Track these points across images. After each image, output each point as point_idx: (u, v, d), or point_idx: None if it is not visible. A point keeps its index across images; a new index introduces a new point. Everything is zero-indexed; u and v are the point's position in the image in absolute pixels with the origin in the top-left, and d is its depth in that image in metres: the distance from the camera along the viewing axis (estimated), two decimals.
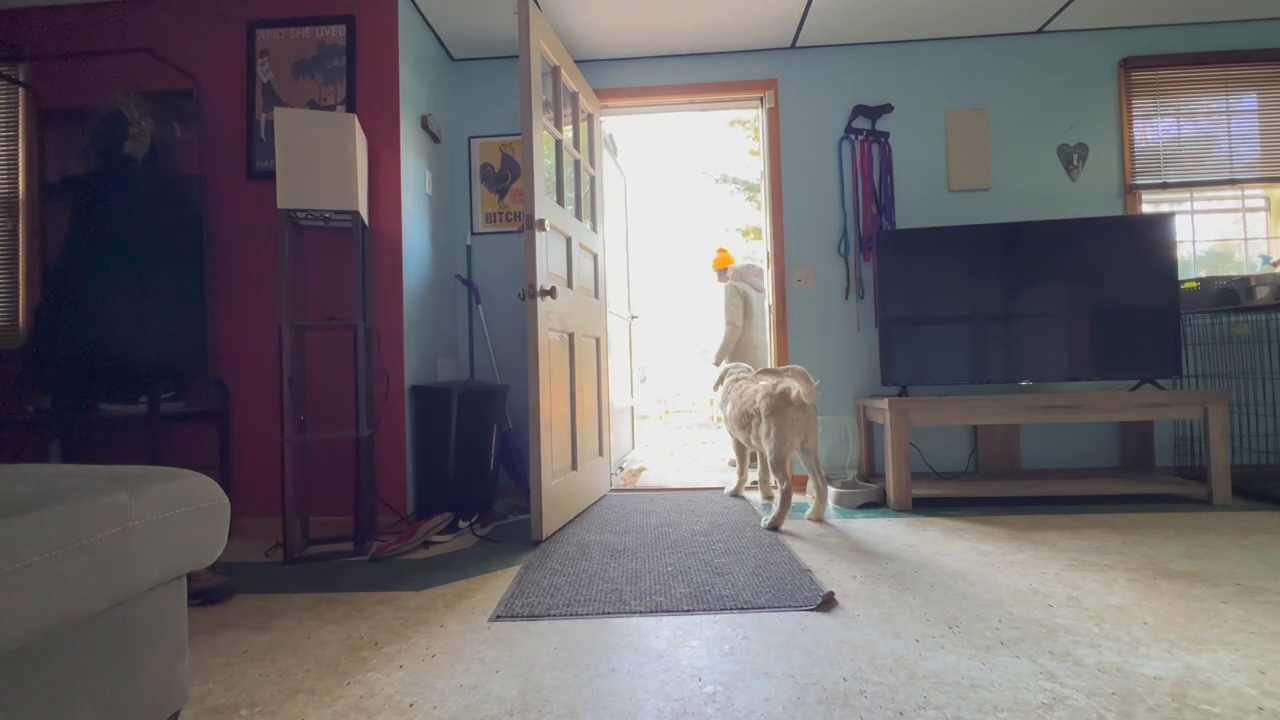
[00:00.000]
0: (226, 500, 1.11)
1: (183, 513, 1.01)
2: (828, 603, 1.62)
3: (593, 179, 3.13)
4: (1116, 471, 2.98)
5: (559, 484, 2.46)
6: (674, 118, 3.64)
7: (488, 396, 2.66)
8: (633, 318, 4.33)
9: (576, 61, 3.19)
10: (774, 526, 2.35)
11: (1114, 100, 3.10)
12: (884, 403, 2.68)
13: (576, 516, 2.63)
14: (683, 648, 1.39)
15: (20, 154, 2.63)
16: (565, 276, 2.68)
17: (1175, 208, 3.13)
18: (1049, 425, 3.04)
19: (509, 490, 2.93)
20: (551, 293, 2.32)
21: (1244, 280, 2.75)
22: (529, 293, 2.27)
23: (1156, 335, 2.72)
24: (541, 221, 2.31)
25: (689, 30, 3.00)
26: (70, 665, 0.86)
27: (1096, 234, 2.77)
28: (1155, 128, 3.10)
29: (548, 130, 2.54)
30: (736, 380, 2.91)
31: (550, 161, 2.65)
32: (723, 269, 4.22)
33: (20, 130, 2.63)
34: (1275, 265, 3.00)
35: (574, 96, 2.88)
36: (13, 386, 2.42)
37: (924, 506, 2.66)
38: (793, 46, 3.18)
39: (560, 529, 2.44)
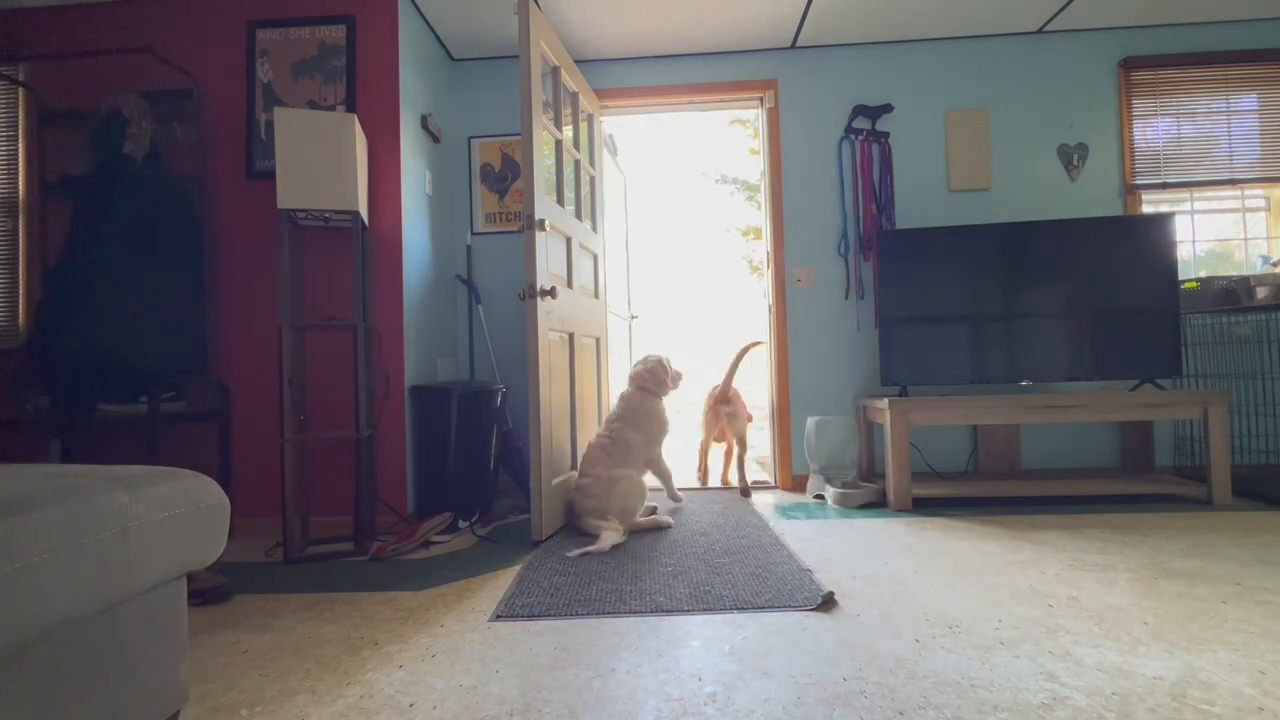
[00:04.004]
0: (226, 500, 1.11)
1: (183, 513, 1.01)
2: (828, 603, 1.62)
3: (593, 179, 3.13)
4: (1116, 471, 2.98)
5: (559, 484, 2.46)
6: (674, 118, 3.64)
7: (488, 396, 2.66)
8: (633, 318, 4.33)
9: (577, 61, 3.19)
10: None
11: (1114, 100, 3.10)
12: (884, 403, 2.68)
13: None
14: (683, 648, 1.39)
15: (20, 154, 2.63)
16: (565, 276, 2.68)
17: (1175, 208, 3.13)
18: (1049, 425, 3.04)
19: (509, 490, 2.92)
20: (551, 293, 2.31)
21: (1244, 280, 2.75)
22: (529, 293, 2.27)
23: (1156, 335, 2.72)
24: (541, 221, 2.30)
25: (689, 30, 3.00)
26: (70, 665, 0.86)
27: (1096, 234, 2.77)
28: (1155, 128, 3.10)
29: (548, 130, 2.54)
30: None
31: (550, 162, 2.65)
32: None
33: (20, 130, 2.63)
34: (1275, 265, 3.00)
35: (574, 96, 2.88)
36: (13, 386, 2.42)
37: (924, 506, 2.66)
38: (793, 46, 3.18)
39: (560, 528, 2.44)
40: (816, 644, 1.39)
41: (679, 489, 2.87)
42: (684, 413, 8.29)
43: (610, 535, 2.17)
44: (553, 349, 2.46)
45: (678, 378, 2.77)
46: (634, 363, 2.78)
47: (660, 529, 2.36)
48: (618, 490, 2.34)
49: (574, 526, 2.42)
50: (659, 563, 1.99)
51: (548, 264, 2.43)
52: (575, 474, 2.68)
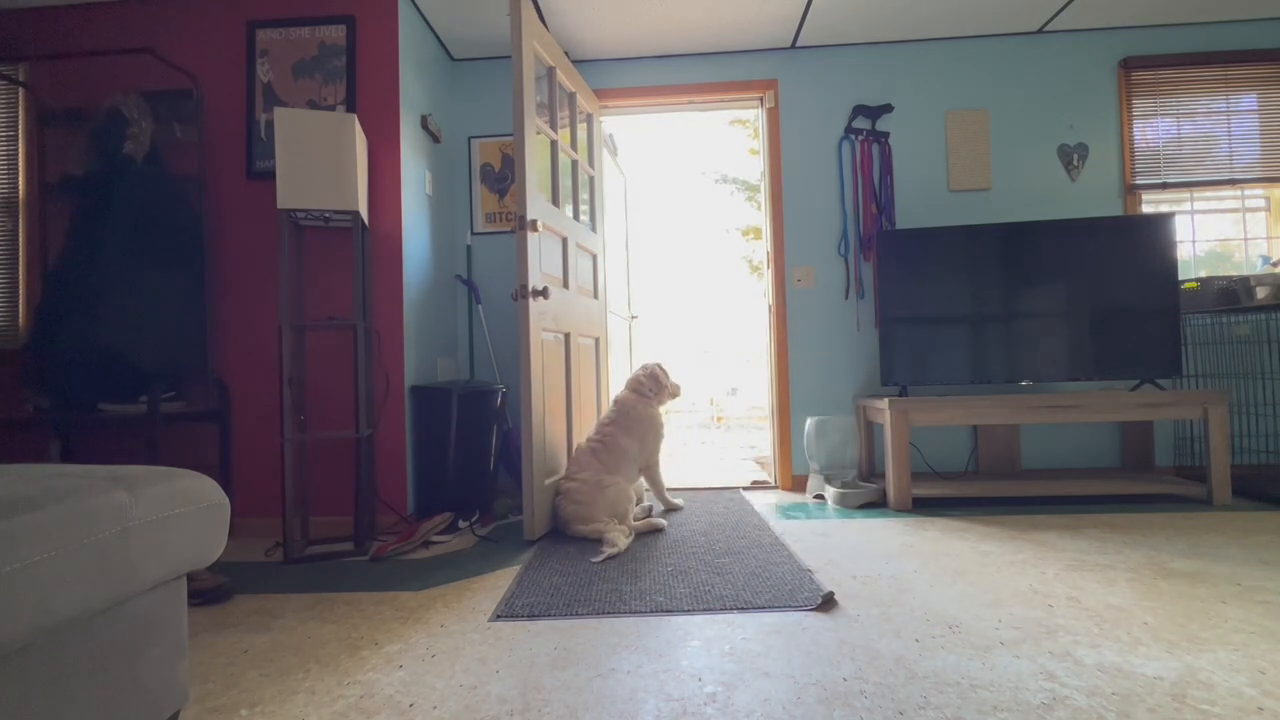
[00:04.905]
0: (226, 500, 1.11)
1: (183, 513, 1.01)
2: (828, 603, 1.62)
3: (592, 179, 3.13)
4: (1116, 471, 2.98)
5: (554, 484, 2.46)
6: (674, 118, 3.64)
7: (488, 396, 2.66)
8: (633, 318, 4.33)
9: (576, 62, 3.19)
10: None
11: (1114, 100, 3.10)
12: (884, 403, 2.68)
13: None
14: (683, 648, 1.39)
15: (20, 154, 2.63)
16: (561, 277, 2.68)
17: (1175, 208, 3.13)
18: (1049, 425, 3.04)
19: (509, 490, 2.92)
20: (544, 293, 2.31)
21: (1244, 280, 2.75)
22: (520, 293, 2.27)
23: (1156, 335, 2.72)
24: (534, 222, 2.30)
25: (689, 30, 3.00)
26: (70, 665, 0.86)
27: (1096, 234, 2.77)
28: (1155, 128, 3.10)
29: (544, 131, 2.54)
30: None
31: (546, 163, 2.65)
32: None
33: (20, 130, 2.63)
34: (1275, 265, 3.00)
35: (571, 97, 2.88)
36: (13, 386, 2.42)
37: (924, 506, 2.66)
38: (793, 46, 3.18)
39: (553, 529, 2.43)
40: (816, 644, 1.39)
41: (678, 489, 2.88)
42: (683, 413, 8.31)
43: (619, 535, 2.16)
44: (547, 349, 2.46)
45: (676, 390, 2.74)
46: (633, 368, 2.76)
47: (655, 531, 2.35)
48: (605, 497, 2.30)
49: (560, 531, 2.38)
50: (659, 563, 1.99)
51: (541, 264, 2.42)
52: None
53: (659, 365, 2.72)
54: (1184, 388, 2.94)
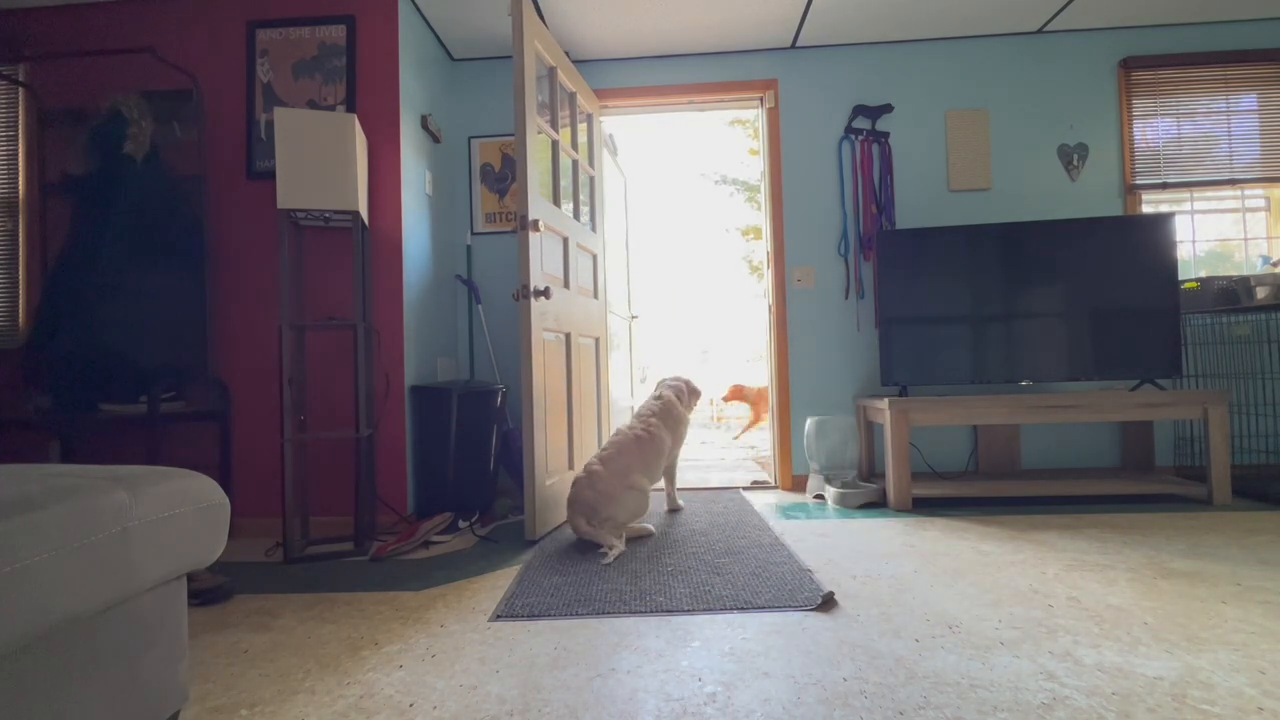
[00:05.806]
0: (226, 500, 1.11)
1: (183, 513, 1.01)
2: (828, 603, 1.62)
3: (592, 179, 3.13)
4: (1116, 471, 2.98)
5: (554, 484, 2.46)
6: (674, 118, 3.64)
7: (488, 396, 2.66)
8: (633, 318, 4.33)
9: (577, 62, 3.19)
10: None
11: (1114, 100, 3.10)
12: (884, 403, 2.68)
13: None
14: (683, 648, 1.39)
15: (20, 154, 2.63)
16: (561, 277, 2.68)
17: (1175, 208, 3.13)
18: (1049, 425, 3.04)
19: (509, 490, 2.92)
20: (545, 293, 2.31)
21: (1244, 280, 2.75)
22: (522, 293, 2.27)
23: (1156, 335, 2.72)
24: (535, 222, 2.30)
25: (689, 30, 3.00)
26: (70, 665, 0.86)
27: (1096, 234, 2.77)
28: (1155, 128, 3.10)
29: (544, 131, 2.54)
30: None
31: (548, 163, 2.65)
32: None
33: (20, 130, 2.63)
34: (1275, 265, 3.00)
35: (572, 97, 2.88)
36: (13, 386, 2.42)
37: (924, 506, 2.66)
38: (793, 46, 3.18)
39: (557, 528, 2.44)
40: (816, 644, 1.39)
41: (679, 489, 2.87)
42: None
43: (617, 540, 2.16)
44: (548, 349, 2.46)
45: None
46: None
47: (644, 536, 2.31)
48: (623, 503, 2.24)
49: (568, 523, 2.34)
50: (659, 563, 1.99)
51: (542, 264, 2.42)
52: (578, 469, 2.63)
53: (691, 379, 2.88)
54: (1184, 388, 2.94)
